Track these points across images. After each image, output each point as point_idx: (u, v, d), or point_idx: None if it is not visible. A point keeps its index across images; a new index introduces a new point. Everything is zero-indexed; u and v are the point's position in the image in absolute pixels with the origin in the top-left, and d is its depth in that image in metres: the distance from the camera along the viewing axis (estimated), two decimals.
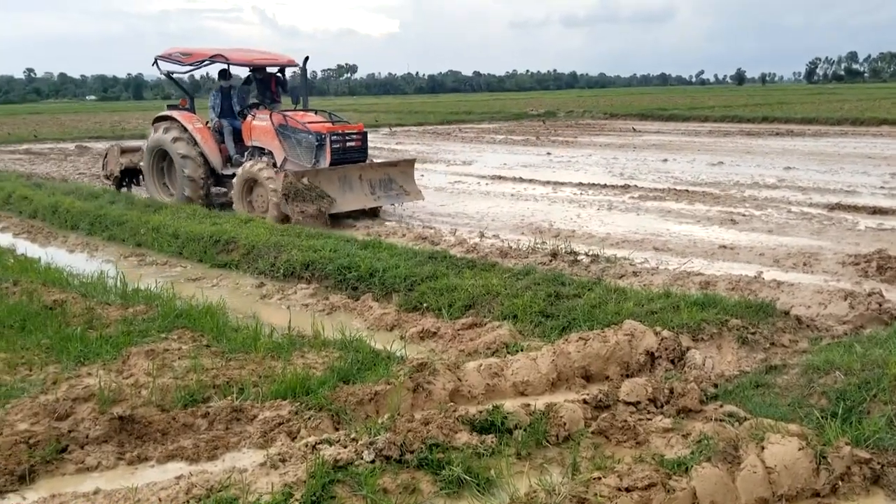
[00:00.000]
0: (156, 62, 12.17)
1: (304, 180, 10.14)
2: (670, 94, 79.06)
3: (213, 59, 11.59)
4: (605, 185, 13.94)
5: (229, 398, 4.34)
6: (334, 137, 10.61)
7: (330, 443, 3.68)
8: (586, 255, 7.97)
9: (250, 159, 11.17)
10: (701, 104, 46.36)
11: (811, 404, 4.04)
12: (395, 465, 3.50)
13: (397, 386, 4.27)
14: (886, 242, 8.53)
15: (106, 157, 13.66)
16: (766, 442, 3.51)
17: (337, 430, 4.01)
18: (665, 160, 18.48)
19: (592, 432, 3.93)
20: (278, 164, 10.80)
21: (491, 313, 6.02)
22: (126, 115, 51.77)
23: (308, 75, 11.90)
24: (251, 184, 10.80)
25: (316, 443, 3.69)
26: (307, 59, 11.59)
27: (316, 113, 11.67)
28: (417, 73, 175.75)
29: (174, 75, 12.73)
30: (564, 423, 3.95)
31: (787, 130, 27.73)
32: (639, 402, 4.21)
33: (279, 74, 12.25)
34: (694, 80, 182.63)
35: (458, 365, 4.66)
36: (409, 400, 4.28)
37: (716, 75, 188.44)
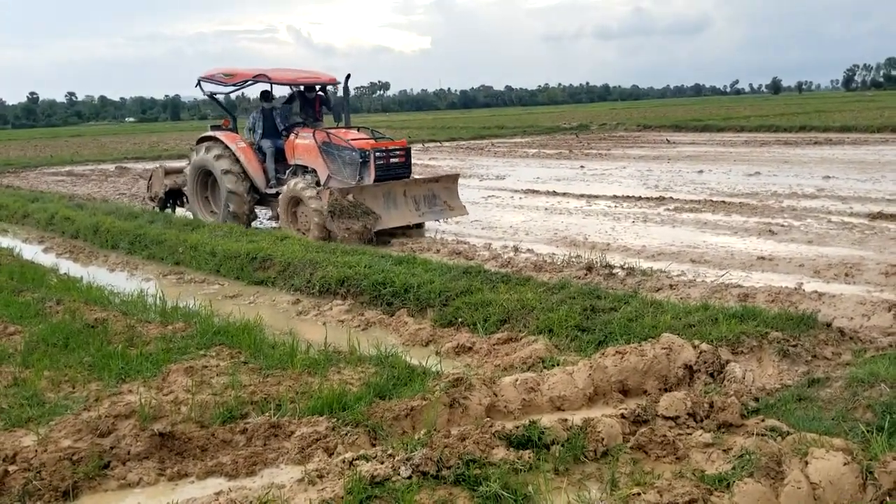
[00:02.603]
0: (199, 83, 12.30)
1: (349, 197, 10.12)
2: (704, 104, 78.42)
3: (256, 79, 11.67)
4: (639, 198, 13.84)
5: (267, 414, 4.37)
6: (378, 154, 10.63)
7: (367, 458, 3.68)
8: (622, 268, 7.91)
9: (293, 178, 11.17)
10: (736, 114, 45.88)
11: (856, 418, 3.95)
12: (432, 481, 3.49)
13: (433, 401, 4.26)
14: None
15: (150, 178, 13.78)
16: (810, 457, 3.43)
17: (374, 445, 4.01)
18: (700, 171, 18.29)
19: (631, 447, 3.88)
20: (322, 182, 10.81)
21: (526, 328, 5.99)
22: (164, 135, 52.79)
23: (350, 93, 12.06)
24: (295, 202, 10.76)
25: (353, 459, 3.69)
26: (349, 76, 11.65)
27: (358, 130, 11.69)
28: (449, 88, 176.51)
29: (217, 96, 12.92)
30: (602, 439, 3.90)
31: (825, 139, 27.27)
32: (678, 417, 4.15)
33: (321, 92, 12.37)
34: (728, 90, 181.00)
35: (493, 380, 4.63)
36: (446, 415, 4.26)
37: (751, 85, 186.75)
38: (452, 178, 11.77)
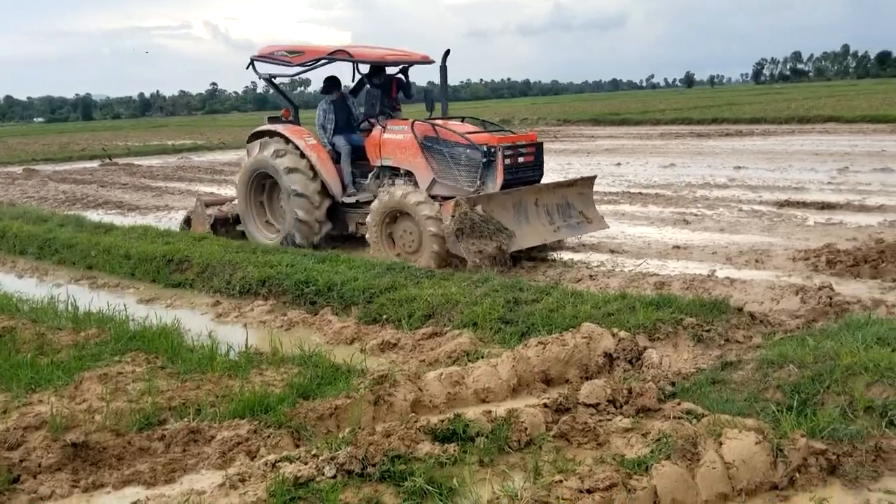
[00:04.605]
0: (251, 64, 9.92)
1: (479, 209, 7.74)
2: (622, 98, 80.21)
3: (333, 56, 9.39)
4: None
5: (186, 420, 4.26)
6: (507, 152, 8.28)
7: (290, 460, 3.63)
8: (543, 259, 8.02)
9: (376, 183, 9.23)
10: (652, 108, 47.08)
11: (767, 398, 4.11)
12: (357, 480, 3.47)
13: (358, 399, 4.24)
14: (835, 237, 8.74)
15: (189, 219, 10.99)
16: (724, 437, 3.55)
17: (297, 446, 3.96)
18: (618, 164, 18.73)
19: (554, 436, 3.94)
20: (422, 188, 8.66)
21: (451, 322, 6.02)
22: (75, 135, 50.83)
23: (447, 74, 9.19)
24: (394, 217, 8.44)
25: (276, 461, 3.64)
26: (448, 52, 9.13)
27: (463, 121, 9.38)
28: None
29: (277, 80, 10.26)
30: (526, 428, 3.95)
31: (736, 131, 28.29)
32: (598, 404, 4.23)
33: (401, 76, 10.10)
34: (645, 84, 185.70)
35: (418, 375, 4.64)
36: (371, 413, 4.25)
37: (665, 79, 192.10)
38: (588, 182, 9.30)
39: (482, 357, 5.05)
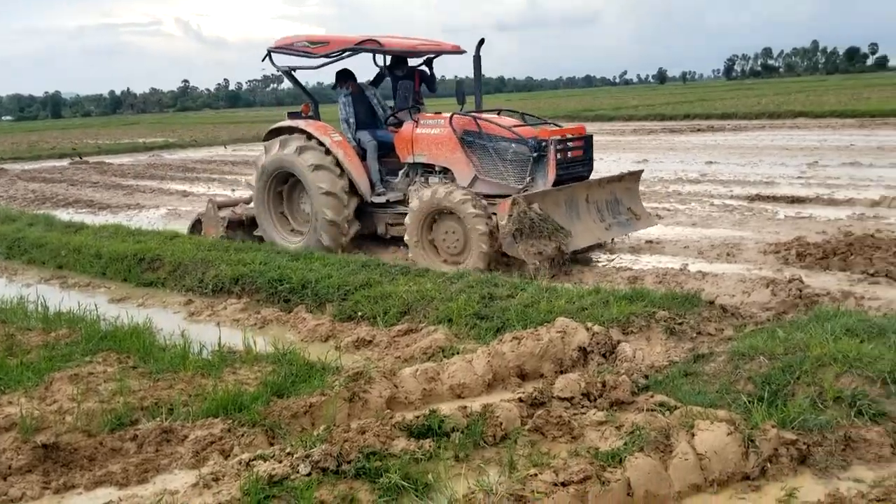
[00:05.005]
0: (268, 56, 9.28)
1: (535, 207, 7.27)
2: (595, 95, 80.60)
3: (360, 46, 8.70)
4: None
5: (158, 419, 4.22)
6: (559, 146, 7.79)
7: (264, 458, 3.60)
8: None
9: (406, 181, 8.80)
10: (625, 104, 47.39)
11: (738, 390, 4.15)
12: (332, 477, 3.45)
13: (333, 396, 4.23)
14: (804, 230, 8.86)
15: (199, 222, 10.20)
16: (696, 429, 3.59)
17: (272, 444, 3.94)
18: None
19: (528, 430, 3.96)
20: (465, 187, 8.15)
21: (426, 318, 6.01)
22: (44, 134, 50.11)
23: (481, 64, 8.59)
24: (433, 218, 7.95)
25: (250, 459, 3.61)
26: (482, 41, 8.48)
27: (499, 113, 8.93)
28: None
29: (297, 72, 9.50)
30: (501, 423, 3.96)
31: (707, 126, 28.54)
32: (573, 398, 4.26)
33: (424, 68, 9.59)
34: (618, 80, 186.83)
35: (394, 372, 4.64)
36: (346, 410, 4.23)
37: (638, 75, 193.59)
38: (635, 176, 8.89)
39: (457, 353, 5.06)
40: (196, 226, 10.22)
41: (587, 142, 8.23)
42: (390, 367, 4.78)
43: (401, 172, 8.84)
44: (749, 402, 3.96)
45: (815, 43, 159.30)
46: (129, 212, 14.21)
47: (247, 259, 7.83)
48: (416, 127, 8.60)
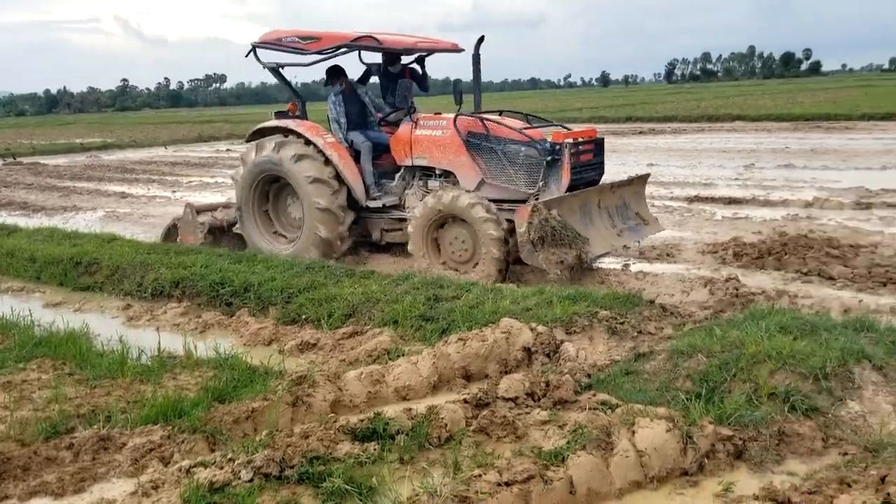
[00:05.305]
0: (253, 51, 8.70)
1: (554, 213, 6.86)
2: (541, 97, 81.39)
3: (356, 43, 8.24)
4: None
5: (95, 427, 4.11)
6: (573, 150, 7.41)
7: (205, 465, 3.55)
8: None
9: (403, 185, 8.43)
10: (569, 106, 47.98)
11: (677, 387, 4.23)
12: (275, 482, 3.42)
13: (275, 401, 4.17)
14: (741, 230, 9.10)
15: (175, 227, 9.49)
16: (637, 426, 3.65)
17: (213, 451, 3.87)
18: None
19: (473, 431, 3.97)
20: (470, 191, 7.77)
21: (371, 320, 5.99)
22: None
23: (480, 63, 8.11)
24: (439, 224, 7.65)
25: (190, 466, 3.55)
26: (482, 39, 8.00)
27: (500, 114, 8.44)
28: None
29: (284, 70, 8.97)
30: (446, 424, 3.97)
31: (649, 129, 29.12)
32: (517, 398, 4.29)
33: (415, 66, 9.21)
34: (562, 83, 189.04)
35: (338, 375, 4.60)
36: (289, 414, 4.19)
37: (582, 79, 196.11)
38: (642, 180, 8.61)
39: (403, 355, 5.04)
40: (171, 232, 9.54)
41: (599, 145, 7.94)
42: (335, 371, 4.74)
43: (398, 176, 8.44)
44: (687, 399, 4.05)
45: (751, 48, 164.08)
46: (66, 214, 13.83)
47: (187, 262, 7.68)
48: (416, 128, 8.20)
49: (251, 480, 3.39)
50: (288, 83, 9.24)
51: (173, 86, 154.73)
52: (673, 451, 3.56)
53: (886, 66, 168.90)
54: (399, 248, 8.32)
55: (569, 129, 7.86)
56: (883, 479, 3.21)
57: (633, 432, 3.62)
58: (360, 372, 4.65)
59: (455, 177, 7.98)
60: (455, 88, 8.19)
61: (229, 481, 3.37)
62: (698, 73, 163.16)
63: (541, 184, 7.41)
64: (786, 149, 19.09)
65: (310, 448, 3.62)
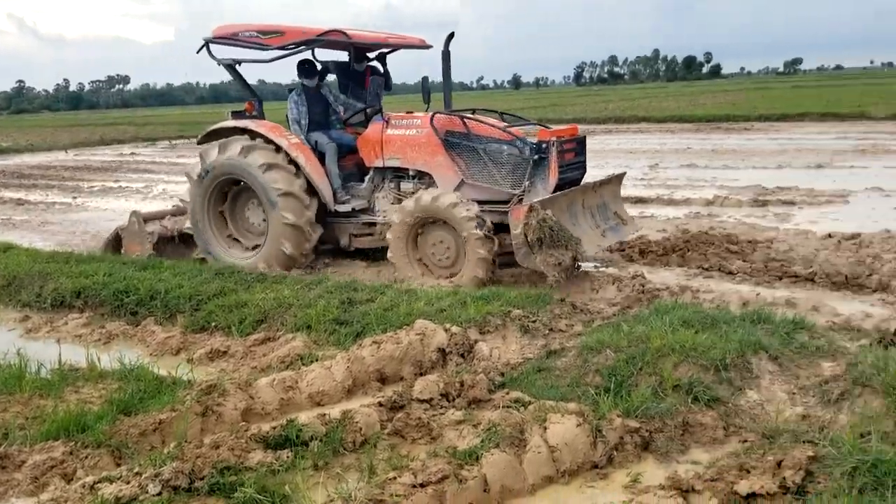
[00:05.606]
0: (206, 47, 8.16)
1: (549, 213, 6.60)
2: (455, 99, 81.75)
3: (324, 38, 7.79)
4: None
5: None
6: (559, 148, 7.18)
7: (110, 480, 3.42)
8: (375, 259, 8.04)
9: (371, 187, 8.09)
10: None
11: (587, 383, 4.34)
12: (185, 495, 3.33)
13: (184, 412, 4.06)
14: (647, 229, 9.37)
15: (117, 238, 8.91)
16: (549, 422, 3.73)
17: (119, 465, 3.74)
18: None
19: (388, 433, 3.97)
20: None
21: (284, 326, 5.90)
22: None
23: (450, 60, 7.78)
24: (419, 229, 7.32)
25: (94, 482, 3.42)
26: (451, 36, 7.70)
27: (474, 113, 8.17)
28: (198, 82, 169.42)
29: (241, 67, 8.50)
30: (360, 429, 3.95)
31: None
32: (432, 399, 4.31)
33: (377, 63, 8.87)
34: (475, 85, 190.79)
35: (249, 383, 4.52)
36: (198, 425, 4.09)
37: (494, 81, 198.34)
38: (619, 179, 8.41)
39: (317, 360, 4.99)
40: (114, 243, 8.96)
41: (581, 144, 7.71)
42: (246, 379, 4.65)
43: (367, 178, 8.12)
44: (597, 393, 4.16)
45: (656, 52, 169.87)
46: None
47: (89, 270, 7.38)
48: (387, 127, 7.88)
49: (159, 494, 3.29)
50: (244, 81, 8.74)
51: (73, 87, 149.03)
52: (583, 445, 3.65)
53: (781, 68, 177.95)
54: (370, 254, 8.15)
55: (549, 128, 7.62)
56: (779, 464, 3.37)
57: (545, 428, 3.69)
58: (273, 379, 4.58)
59: (430, 178, 7.73)
60: (423, 86, 7.99)
61: (136, 496, 3.27)
62: (606, 75, 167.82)
63: (527, 183, 7.21)
64: (688, 149, 19.81)
65: (220, 458, 3.55)
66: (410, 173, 7.89)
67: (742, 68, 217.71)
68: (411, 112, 8.10)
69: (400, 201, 7.71)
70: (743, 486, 3.24)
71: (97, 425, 4.01)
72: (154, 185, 17.55)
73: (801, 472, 3.29)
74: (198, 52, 8.24)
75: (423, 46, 8.68)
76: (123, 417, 4.14)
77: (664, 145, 21.23)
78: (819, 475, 3.29)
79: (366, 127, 8.22)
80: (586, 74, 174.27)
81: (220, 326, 6.06)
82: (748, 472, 3.37)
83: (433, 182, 7.69)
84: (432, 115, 7.72)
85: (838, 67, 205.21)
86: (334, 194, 8.00)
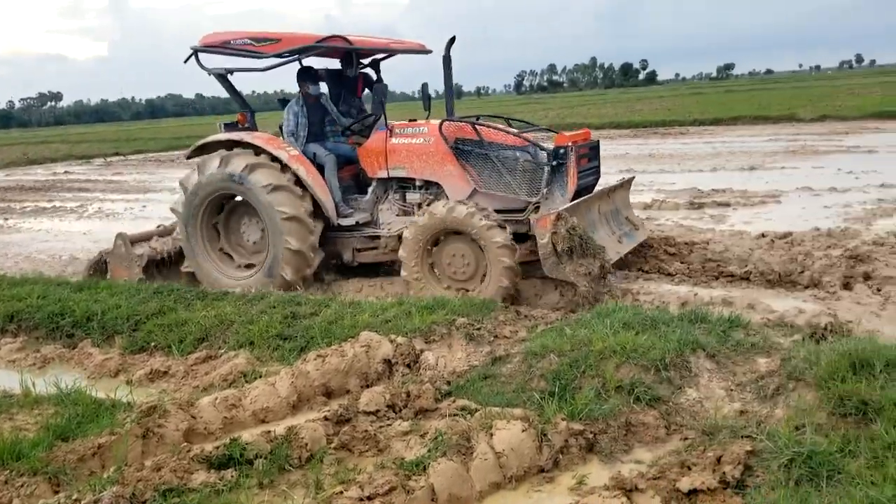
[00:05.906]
0: (194, 55, 7.77)
1: (575, 221, 6.41)
2: (399, 109, 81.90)
3: (322, 44, 7.42)
4: None
5: None
6: (578, 153, 6.97)
7: None
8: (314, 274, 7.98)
9: (375, 199, 7.81)
10: (423, 116, 48.51)
11: (532, 387, 4.38)
12: None
13: (124, 435, 3.96)
14: None
15: (102, 262, 8.47)
16: (495, 429, 3.74)
17: (56, 493, 3.63)
18: None
19: (335, 448, 3.94)
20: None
21: (226, 343, 5.81)
22: None
23: (451, 65, 7.69)
24: (435, 240, 7.00)
25: None
26: (453, 40, 7.62)
27: (477, 119, 7.98)
28: (134, 98, 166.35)
29: (232, 77, 8.02)
30: (306, 444, 3.92)
31: None
32: (378, 411, 4.30)
33: (369, 70, 8.62)
34: (416, 95, 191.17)
35: (191, 402, 4.43)
36: (139, 448, 3.99)
37: (436, 90, 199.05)
38: (629, 184, 8.38)
39: (260, 376, 4.93)
40: (98, 267, 8.48)
41: (594, 149, 7.52)
42: (188, 398, 4.56)
43: (370, 189, 7.83)
44: (542, 398, 4.19)
45: (593, 59, 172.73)
46: None
47: (22, 293, 7.16)
48: (391, 136, 7.59)
49: None
50: (236, 91, 8.22)
51: (2, 105, 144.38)
52: (529, 449, 3.68)
53: (714, 73, 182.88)
54: (375, 270, 7.98)
55: (554, 131, 7.37)
56: (719, 460, 3.46)
57: (492, 435, 3.71)
58: (215, 397, 4.50)
59: (437, 188, 7.48)
60: (424, 93, 7.81)
61: None
62: (545, 83, 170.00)
63: (544, 191, 6.98)
64: (626, 154, 20.19)
65: (162, 481, 3.48)
66: (417, 183, 7.62)
67: (677, 74, 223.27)
68: (414, 120, 7.87)
69: (405, 212, 7.55)
70: (685, 483, 3.31)
71: (33, 452, 3.88)
72: (89, 203, 17.13)
73: (741, 467, 3.38)
74: (185, 62, 7.85)
75: (423, 51, 8.48)
76: (61, 443, 4.01)
77: (603, 151, 21.44)
78: (757, 469, 3.39)
79: (366, 137, 7.97)
80: (526, 83, 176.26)
81: (160, 346, 5.94)
82: (689, 468, 3.44)
83: (441, 192, 7.45)
84: (441, 123, 7.47)
85: (769, 72, 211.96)
86: (336, 207, 7.70)
